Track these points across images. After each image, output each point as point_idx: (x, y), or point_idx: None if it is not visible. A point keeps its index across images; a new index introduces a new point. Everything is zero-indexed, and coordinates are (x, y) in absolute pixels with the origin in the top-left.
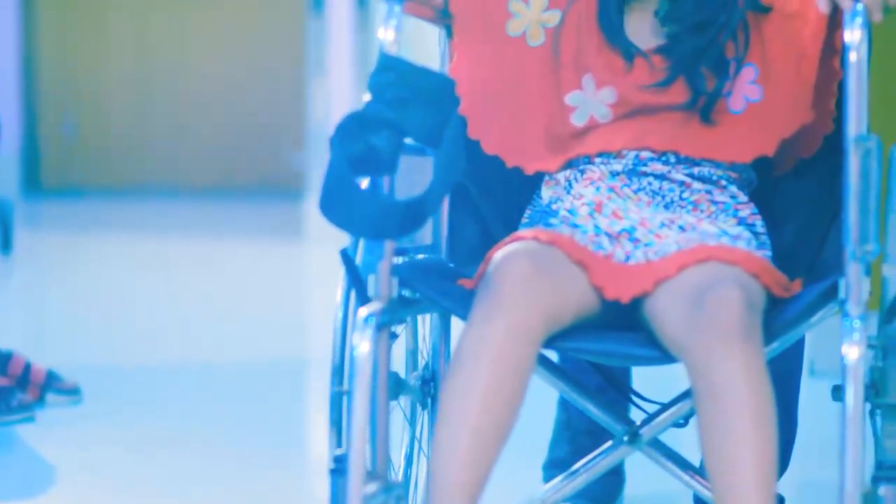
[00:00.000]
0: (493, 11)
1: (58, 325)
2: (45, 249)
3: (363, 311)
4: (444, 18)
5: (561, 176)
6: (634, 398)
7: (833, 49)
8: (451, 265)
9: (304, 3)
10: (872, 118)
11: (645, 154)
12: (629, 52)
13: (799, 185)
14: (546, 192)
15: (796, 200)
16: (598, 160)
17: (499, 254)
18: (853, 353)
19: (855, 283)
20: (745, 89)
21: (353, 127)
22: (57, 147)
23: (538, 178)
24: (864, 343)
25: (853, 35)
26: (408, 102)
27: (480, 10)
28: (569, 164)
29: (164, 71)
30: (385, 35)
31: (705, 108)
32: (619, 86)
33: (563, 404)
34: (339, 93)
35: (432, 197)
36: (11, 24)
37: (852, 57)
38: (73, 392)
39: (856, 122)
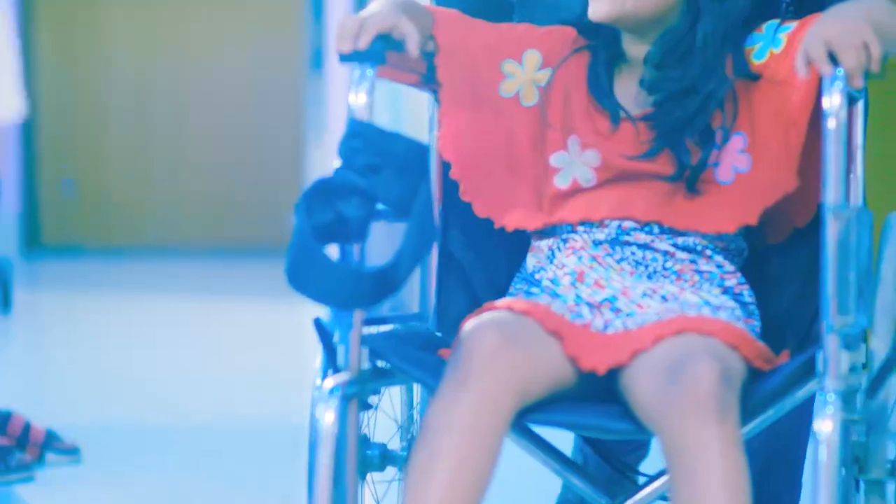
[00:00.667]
0: (485, 74)
1: (57, 384)
2: (44, 308)
3: (329, 382)
4: (428, 84)
5: (544, 245)
6: (623, 470)
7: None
8: (439, 334)
9: (303, 62)
10: (870, 187)
11: (628, 224)
12: (616, 115)
13: (792, 254)
14: (530, 261)
15: (789, 270)
16: (580, 229)
17: (469, 324)
18: (826, 428)
19: (833, 357)
20: (734, 159)
21: (320, 194)
22: (56, 206)
23: (526, 245)
24: (839, 418)
25: (832, 101)
26: (379, 169)
27: (470, 75)
28: (552, 232)
29: (163, 131)
30: (356, 100)
31: (690, 179)
32: (604, 149)
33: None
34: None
35: (403, 265)
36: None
37: (830, 124)
38: (73, 452)
39: (834, 190)
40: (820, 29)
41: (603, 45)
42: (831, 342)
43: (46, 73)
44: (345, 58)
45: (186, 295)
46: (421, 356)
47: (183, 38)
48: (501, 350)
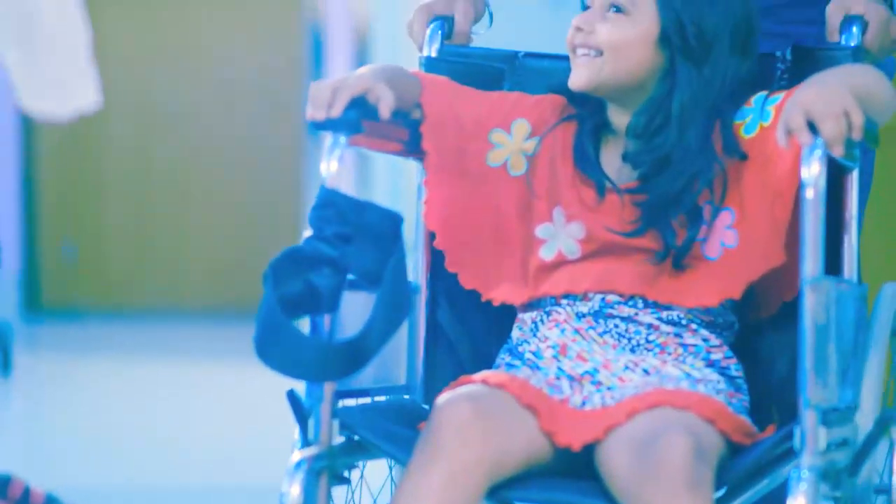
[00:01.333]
0: (472, 143)
1: (57, 448)
2: (44, 371)
3: (296, 456)
4: (413, 152)
5: (528, 317)
6: None
7: None
8: (427, 406)
9: (302, 127)
10: (871, 258)
11: (612, 297)
12: (602, 186)
13: (784, 328)
14: (515, 334)
15: (780, 344)
16: (564, 301)
17: (442, 397)
18: None
19: (810, 432)
20: (721, 234)
21: (290, 264)
22: (56, 269)
23: (514, 316)
24: (812, 496)
25: (810, 171)
26: (350, 239)
27: (457, 144)
28: (535, 305)
29: (164, 194)
30: (327, 168)
31: (676, 258)
32: (589, 221)
33: None
34: None
35: (373, 336)
36: (12, 146)
37: (808, 194)
38: None
39: (812, 262)
40: (799, 97)
41: (589, 114)
42: (808, 418)
43: (47, 138)
44: (317, 126)
45: (187, 358)
46: (394, 430)
47: (183, 104)
48: (473, 423)
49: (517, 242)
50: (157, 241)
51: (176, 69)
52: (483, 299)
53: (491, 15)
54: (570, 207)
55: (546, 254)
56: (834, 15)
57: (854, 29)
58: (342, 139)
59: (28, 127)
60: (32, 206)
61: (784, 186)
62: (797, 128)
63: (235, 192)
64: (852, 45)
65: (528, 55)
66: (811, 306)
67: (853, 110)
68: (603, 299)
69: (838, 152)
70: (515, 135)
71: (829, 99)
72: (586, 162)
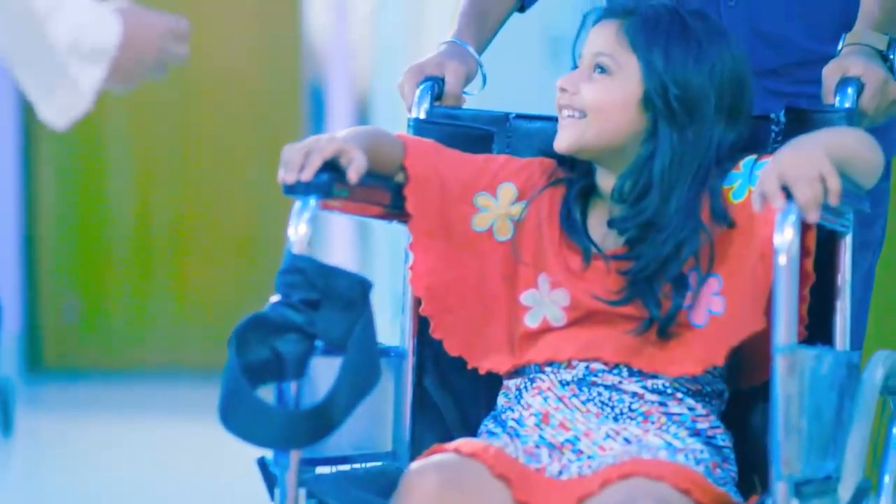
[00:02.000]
0: (458, 207)
1: None
2: (45, 431)
3: None
4: (395, 216)
5: (512, 384)
6: None
7: (804, 250)
8: None
9: None
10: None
11: (596, 365)
12: (587, 252)
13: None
14: (500, 400)
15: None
16: (548, 369)
17: (411, 467)
18: None
19: None
20: (708, 301)
21: (254, 331)
22: (58, 328)
23: (500, 382)
24: None
25: (783, 236)
26: (318, 305)
27: (441, 208)
28: (520, 372)
29: (165, 253)
30: (295, 232)
31: (661, 327)
32: (574, 289)
33: None
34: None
35: (339, 403)
36: (13, 204)
37: (781, 260)
38: None
39: (785, 329)
40: (775, 161)
41: (578, 177)
42: (780, 490)
43: (48, 197)
44: (288, 190)
45: (189, 418)
46: (367, 499)
47: (184, 164)
48: (441, 494)
49: (503, 309)
50: (159, 301)
51: (176, 128)
52: (469, 366)
53: (484, 76)
54: (554, 274)
55: (531, 321)
56: (830, 76)
57: (849, 90)
58: (312, 203)
59: (29, 185)
60: (33, 266)
61: (767, 250)
62: (770, 192)
63: (237, 253)
64: (846, 106)
65: (519, 116)
66: (782, 375)
67: (829, 174)
68: (587, 367)
69: (813, 218)
70: (501, 199)
71: (805, 163)
72: (572, 227)
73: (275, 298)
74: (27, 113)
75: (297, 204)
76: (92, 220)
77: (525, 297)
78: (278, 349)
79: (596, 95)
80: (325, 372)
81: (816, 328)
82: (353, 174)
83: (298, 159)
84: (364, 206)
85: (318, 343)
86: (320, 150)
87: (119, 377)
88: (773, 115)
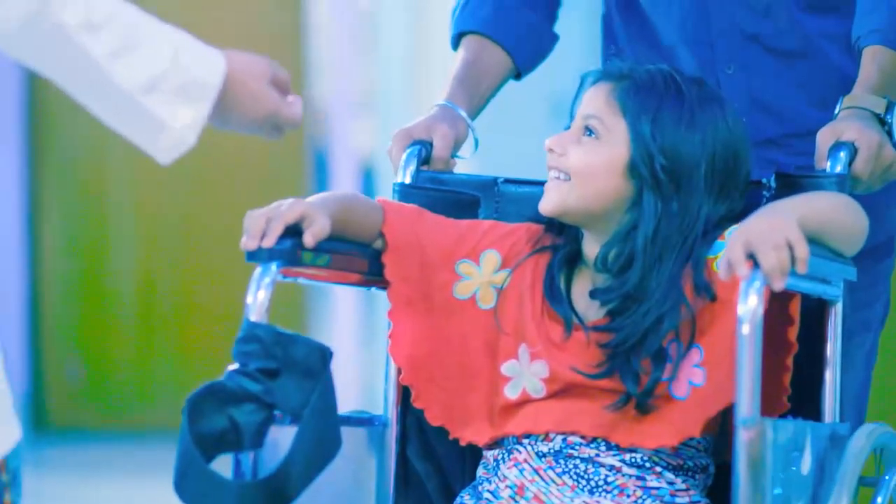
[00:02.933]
0: (439, 274)
1: None
2: (50, 491)
3: None
4: (373, 281)
5: (490, 455)
6: None
7: (788, 318)
8: None
9: None
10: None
11: (573, 438)
12: (569, 323)
13: None
14: (479, 471)
15: None
16: (525, 441)
17: None
18: None
19: None
20: (689, 373)
21: (210, 400)
22: (62, 389)
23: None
24: None
25: (747, 305)
26: (277, 374)
27: (421, 275)
28: (499, 443)
29: (168, 315)
30: (253, 299)
31: (640, 402)
32: (553, 360)
33: None
34: (343, 331)
35: (294, 475)
36: (18, 266)
37: (744, 329)
38: None
39: (747, 402)
40: (744, 227)
41: (564, 243)
42: None
43: (52, 259)
44: (250, 257)
45: None
46: None
47: (188, 229)
48: None
49: (484, 379)
50: (162, 363)
51: (180, 192)
52: (451, 437)
53: (476, 140)
54: (534, 345)
55: (511, 393)
56: (823, 141)
57: (841, 155)
58: (273, 269)
59: (34, 249)
60: (38, 327)
61: None
62: (735, 260)
63: (239, 318)
64: (837, 172)
65: (508, 181)
66: (743, 449)
67: (797, 241)
68: (564, 440)
69: (778, 286)
70: (485, 267)
71: (773, 229)
72: (555, 296)
73: (233, 367)
74: (33, 177)
75: (258, 270)
76: (96, 282)
77: (506, 368)
78: (235, 419)
79: (581, 158)
80: (286, 442)
81: (808, 400)
82: (310, 238)
83: (260, 225)
84: (341, 273)
85: (277, 412)
86: (282, 216)
87: (123, 438)
88: (763, 180)
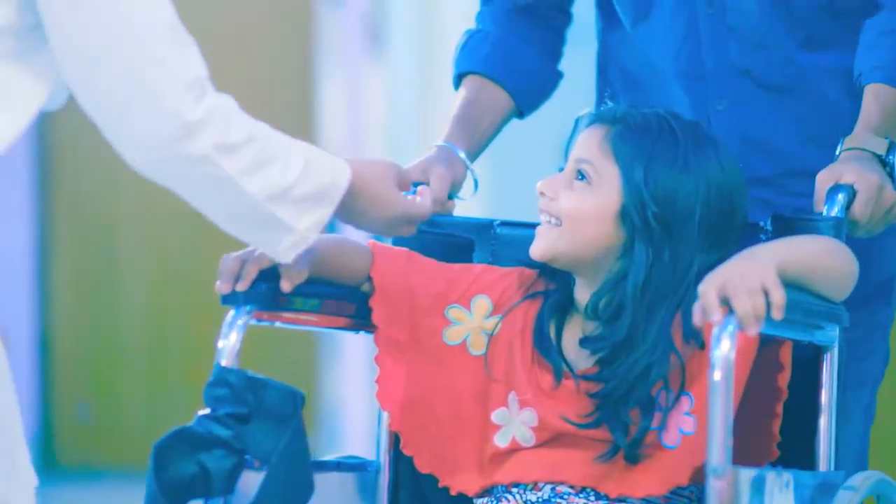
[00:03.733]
0: (428, 319)
1: None
2: None
3: None
4: (361, 325)
5: (480, 503)
6: None
7: (778, 365)
8: None
9: None
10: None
11: (562, 488)
12: (559, 371)
13: None
14: None
15: None
16: (514, 490)
17: None
18: None
19: None
20: (680, 421)
21: (179, 445)
22: (72, 428)
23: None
24: None
25: (719, 350)
26: (248, 419)
27: (410, 320)
28: (488, 492)
29: (178, 354)
30: (225, 343)
31: (628, 453)
32: (543, 408)
33: None
34: (353, 376)
35: None
36: (28, 307)
37: (715, 376)
38: None
39: (718, 450)
40: (719, 271)
41: (556, 289)
42: None
43: (63, 298)
44: (224, 300)
45: None
46: None
47: (198, 265)
48: None
49: (474, 427)
50: (172, 403)
51: (190, 230)
52: (440, 485)
53: (476, 181)
54: (524, 393)
55: (501, 441)
56: (822, 183)
57: (839, 198)
58: (245, 313)
59: (45, 289)
60: (48, 367)
61: (737, 368)
62: (708, 304)
63: (252, 349)
64: (834, 215)
65: (505, 224)
66: (713, 499)
67: (772, 286)
68: (553, 489)
69: (752, 332)
70: (476, 312)
71: (748, 273)
72: (545, 344)
73: (204, 412)
74: (44, 214)
75: (230, 314)
76: (107, 321)
77: (496, 416)
78: (205, 464)
79: (572, 204)
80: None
81: (802, 448)
82: (286, 283)
83: (234, 269)
84: (329, 317)
85: (249, 458)
86: (257, 260)
87: (133, 478)
88: (761, 223)
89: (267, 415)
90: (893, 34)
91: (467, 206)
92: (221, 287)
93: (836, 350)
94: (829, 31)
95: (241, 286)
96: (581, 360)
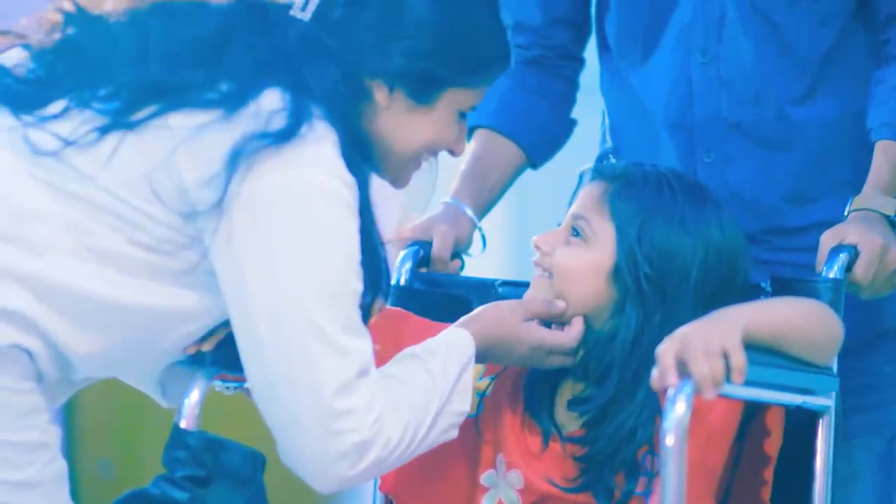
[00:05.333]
0: None
1: None
2: None
3: None
4: None
5: None
6: None
7: (765, 430)
8: None
9: None
10: None
11: None
12: (547, 434)
13: None
14: None
15: None
16: None
17: None
18: None
19: None
20: None
21: None
22: (94, 486)
23: None
24: None
25: (674, 414)
26: (207, 481)
27: None
28: None
29: (202, 412)
30: (188, 404)
31: None
32: (529, 471)
33: None
34: None
35: None
36: None
37: (668, 440)
38: None
39: None
40: (679, 333)
41: None
42: None
43: None
44: (191, 360)
45: None
46: None
47: None
48: None
49: (464, 489)
50: None
51: None
52: None
53: (484, 238)
54: (511, 455)
55: (488, 503)
56: (825, 243)
57: (840, 258)
58: (200, 374)
59: None
60: (70, 423)
61: (716, 431)
62: (664, 368)
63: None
64: (831, 277)
65: (506, 283)
66: None
67: (733, 349)
68: None
69: (709, 396)
70: None
71: (708, 336)
72: (534, 405)
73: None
74: None
75: (195, 375)
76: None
77: (485, 478)
78: None
79: (565, 260)
80: None
81: None
82: None
83: None
84: None
85: None
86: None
87: None
88: (763, 285)
89: (226, 477)
90: None
91: (481, 264)
92: (188, 348)
93: (832, 414)
94: (830, 79)
95: (206, 346)
96: (570, 422)
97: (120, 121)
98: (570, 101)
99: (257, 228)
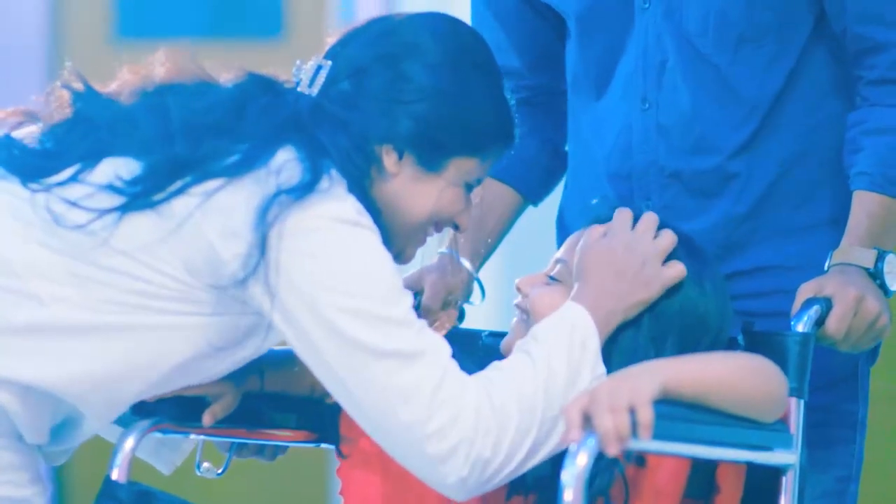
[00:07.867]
0: None
1: None
2: None
3: None
4: (327, 442)
5: None
6: None
7: (714, 487)
8: None
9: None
10: None
11: None
12: (513, 487)
13: None
14: None
15: None
16: None
17: None
18: None
19: None
20: None
21: None
22: None
23: None
24: None
25: (573, 469)
26: None
27: None
28: None
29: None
30: (122, 453)
31: None
32: None
33: None
34: None
35: None
36: None
37: (566, 496)
38: None
39: None
40: (592, 386)
41: None
42: None
43: None
44: (134, 409)
45: None
46: None
47: None
48: None
49: None
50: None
51: None
52: None
53: (483, 288)
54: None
55: None
56: (801, 295)
57: (813, 310)
58: (140, 427)
59: None
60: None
61: (664, 487)
62: (569, 422)
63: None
64: (800, 330)
65: (493, 334)
66: None
67: (641, 405)
68: None
69: (612, 451)
70: None
71: (617, 391)
72: None
73: None
74: None
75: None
76: None
77: None
78: None
79: (540, 301)
80: None
81: None
82: (208, 417)
83: None
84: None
85: None
86: None
87: None
88: (738, 339)
89: None
90: (876, 134)
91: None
92: None
93: (796, 471)
94: (783, 119)
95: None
96: (531, 471)
97: (142, 202)
98: (563, 135)
99: (301, 298)
